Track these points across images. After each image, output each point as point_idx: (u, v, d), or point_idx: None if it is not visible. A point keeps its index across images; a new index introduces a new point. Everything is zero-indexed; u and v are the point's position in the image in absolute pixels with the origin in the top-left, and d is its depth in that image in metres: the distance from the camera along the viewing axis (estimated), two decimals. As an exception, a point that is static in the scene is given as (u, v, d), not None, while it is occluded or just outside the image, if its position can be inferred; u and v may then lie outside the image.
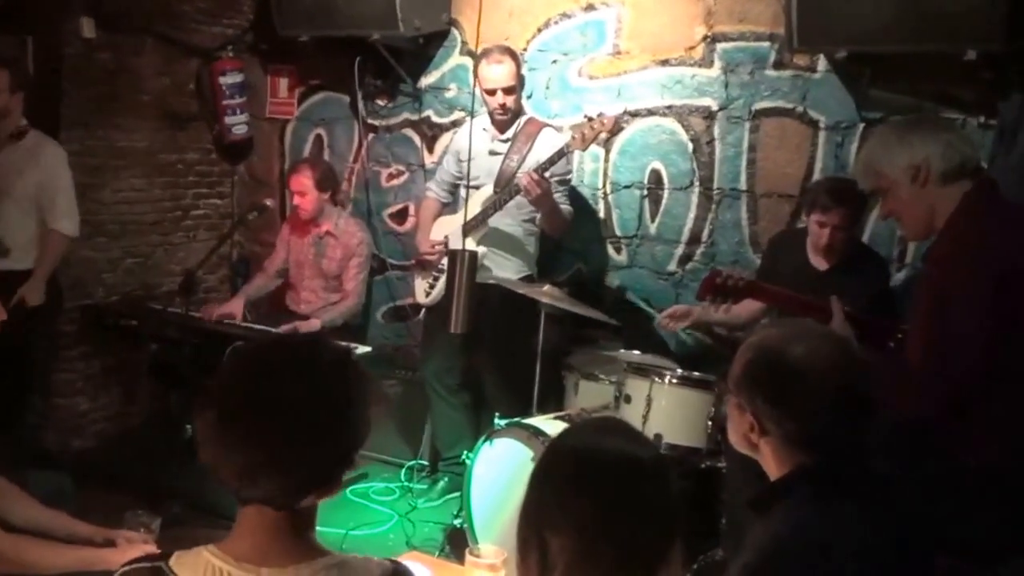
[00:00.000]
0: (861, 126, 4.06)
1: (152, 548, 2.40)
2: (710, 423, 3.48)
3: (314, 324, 4.59)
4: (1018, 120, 3.58)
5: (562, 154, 3.95)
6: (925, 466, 2.38)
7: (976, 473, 2.32)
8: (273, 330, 4.49)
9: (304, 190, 4.74)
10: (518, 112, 4.24)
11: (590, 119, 3.91)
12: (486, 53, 4.14)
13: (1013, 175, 3.54)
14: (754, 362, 1.83)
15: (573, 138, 3.93)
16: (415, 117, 5.11)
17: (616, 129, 4.24)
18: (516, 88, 4.16)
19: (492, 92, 4.12)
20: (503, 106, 4.14)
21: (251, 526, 1.45)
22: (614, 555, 1.35)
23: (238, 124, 5.34)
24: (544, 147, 4.12)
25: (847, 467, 1.76)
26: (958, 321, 2.30)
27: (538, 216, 4.22)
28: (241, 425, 1.40)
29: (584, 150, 4.12)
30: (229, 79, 5.24)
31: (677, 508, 1.42)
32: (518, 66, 4.17)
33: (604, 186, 4.67)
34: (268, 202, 5.07)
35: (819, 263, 3.78)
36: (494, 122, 4.24)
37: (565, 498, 1.38)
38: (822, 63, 4.12)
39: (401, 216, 5.25)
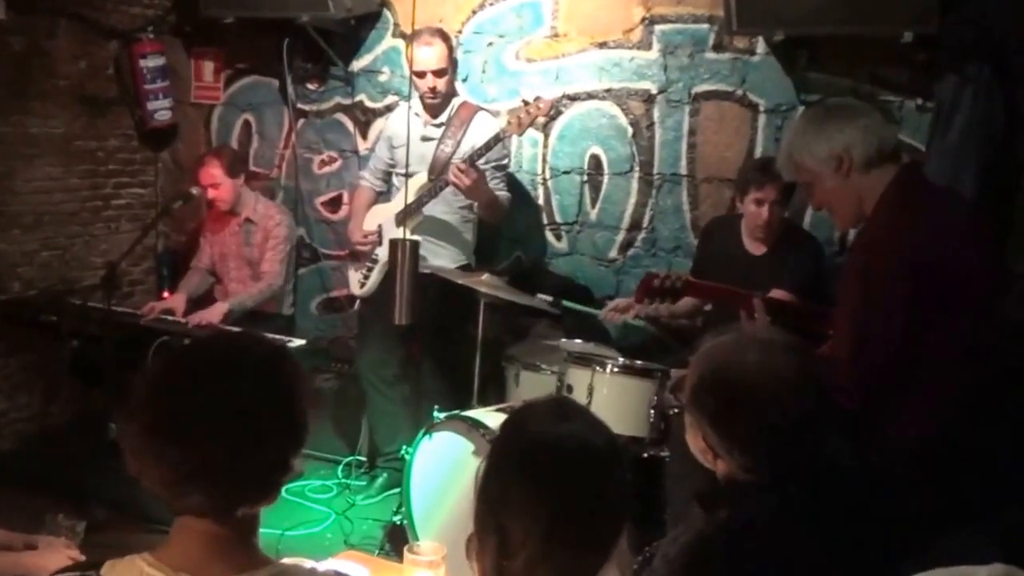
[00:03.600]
0: (800, 109, 4.12)
1: (76, 553, 2.36)
2: (652, 412, 3.52)
3: (220, 309, 4.52)
4: (954, 102, 3.67)
5: (497, 139, 3.95)
6: (859, 449, 2.44)
7: (905, 453, 2.39)
8: (181, 321, 4.45)
9: (216, 181, 4.68)
10: (450, 96, 4.24)
11: (526, 103, 3.92)
12: (416, 35, 4.13)
13: (949, 157, 3.64)
14: (701, 388, 1.82)
15: (509, 123, 3.93)
16: (347, 102, 5.08)
17: (554, 113, 4.26)
18: (447, 71, 4.15)
19: (422, 75, 4.11)
20: (433, 89, 4.13)
21: (189, 534, 1.42)
22: (576, 541, 1.40)
23: (161, 109, 5.25)
24: (479, 132, 4.12)
25: (801, 483, 1.76)
26: (881, 307, 2.36)
27: (475, 203, 4.22)
28: (170, 434, 1.37)
29: (520, 135, 4.13)
30: (150, 62, 5.15)
31: (630, 491, 1.48)
32: (450, 48, 4.16)
33: (543, 172, 4.69)
34: (194, 190, 4.97)
35: (754, 248, 3.86)
36: (425, 106, 4.23)
37: (526, 486, 1.41)
38: (761, 46, 4.19)
39: (334, 204, 5.22)
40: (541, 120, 3.97)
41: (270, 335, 4.35)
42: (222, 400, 1.39)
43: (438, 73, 4.11)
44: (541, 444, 1.45)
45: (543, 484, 1.40)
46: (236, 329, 4.36)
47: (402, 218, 4.00)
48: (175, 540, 1.43)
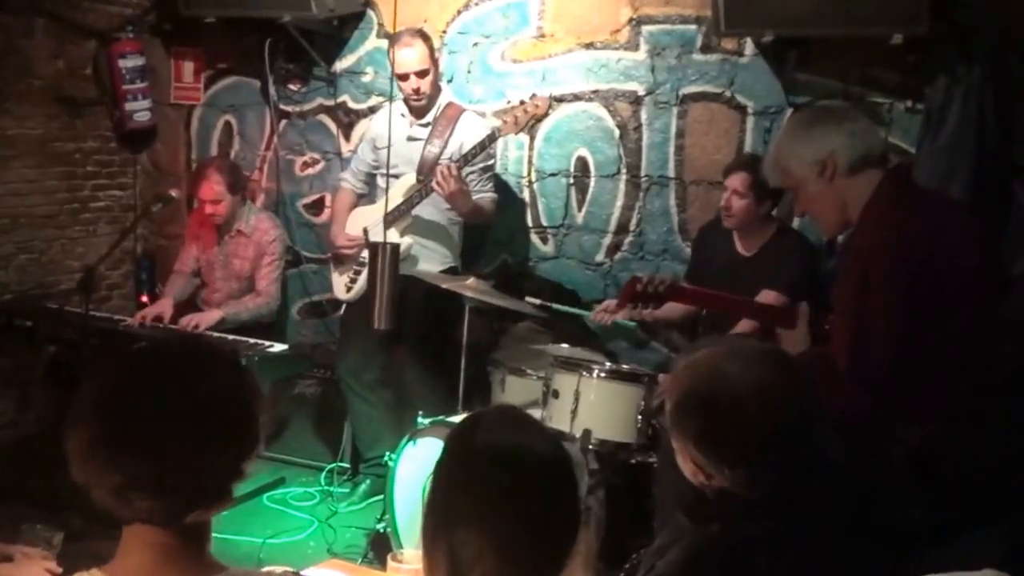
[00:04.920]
0: (789, 111, 4.14)
1: (53, 565, 2.33)
2: (640, 417, 3.52)
3: (214, 316, 4.50)
4: (945, 104, 3.69)
5: (493, 138, 3.97)
6: (857, 456, 2.44)
7: (902, 460, 2.39)
8: (176, 328, 4.42)
9: (218, 197, 4.59)
10: (435, 96, 4.23)
11: (522, 102, 3.92)
12: (396, 37, 4.13)
13: (940, 159, 3.66)
14: (681, 410, 1.79)
15: (504, 122, 3.94)
16: (330, 103, 5.06)
17: (545, 114, 4.26)
18: (430, 71, 4.14)
19: (405, 77, 4.11)
20: (417, 91, 4.12)
21: (138, 544, 1.41)
22: (532, 556, 1.37)
23: (140, 110, 5.22)
24: (466, 132, 4.12)
25: (796, 494, 1.75)
26: (879, 313, 2.37)
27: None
28: (113, 441, 1.35)
29: (517, 134, 4.14)
30: (129, 62, 5.11)
31: (581, 501, 1.45)
32: (431, 48, 4.16)
33: (529, 174, 4.69)
34: (173, 193, 4.93)
35: (743, 248, 3.89)
36: (411, 108, 4.22)
37: (479, 500, 1.38)
38: (749, 47, 4.20)
39: (317, 207, 5.20)
40: (536, 119, 3.97)
41: (252, 340, 4.36)
42: (171, 406, 1.37)
43: (421, 74, 4.11)
44: (493, 456, 1.42)
45: (496, 498, 1.37)
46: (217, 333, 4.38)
47: (387, 220, 3.99)
48: (125, 550, 1.42)
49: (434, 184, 3.92)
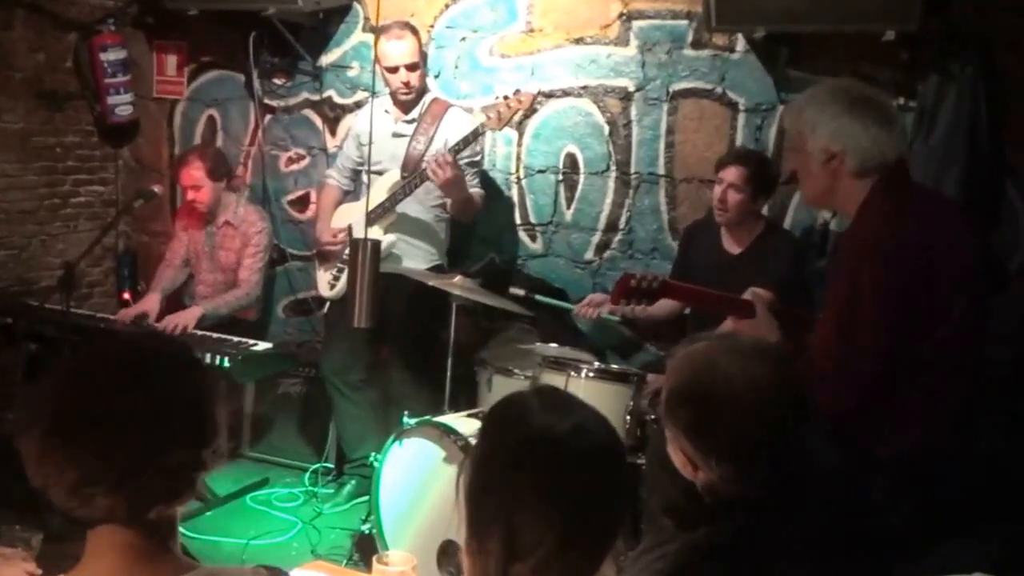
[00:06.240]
0: (780, 108, 4.15)
1: (32, 566, 2.33)
2: (628, 417, 3.53)
3: (195, 313, 4.50)
4: (937, 102, 3.71)
5: (477, 134, 3.96)
6: (842, 460, 2.45)
7: (890, 464, 2.41)
8: (157, 327, 4.41)
9: (197, 183, 4.63)
10: (422, 91, 4.23)
11: (507, 97, 3.92)
12: (384, 29, 4.12)
13: (933, 157, 3.68)
14: (675, 399, 1.81)
15: (488, 117, 3.93)
16: (316, 97, 5.06)
17: (530, 110, 4.26)
18: (419, 64, 4.14)
19: (394, 70, 4.10)
20: (407, 84, 4.12)
21: (102, 545, 1.41)
22: (588, 540, 1.41)
23: (122, 104, 5.21)
24: (452, 128, 4.12)
25: (784, 494, 1.76)
26: (870, 317, 2.38)
27: (448, 201, 4.22)
28: (69, 439, 1.36)
29: (500, 129, 4.14)
30: (111, 55, 5.10)
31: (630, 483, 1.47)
32: (420, 41, 4.16)
33: (517, 171, 4.69)
34: (156, 188, 4.92)
35: (731, 246, 3.90)
36: (397, 102, 4.22)
37: (541, 485, 1.40)
38: (740, 43, 4.20)
39: (302, 203, 5.19)
40: (521, 114, 3.98)
41: (236, 338, 4.35)
42: (124, 399, 1.38)
43: (411, 67, 4.11)
44: (551, 438, 1.43)
45: (558, 483, 1.40)
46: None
47: (370, 217, 3.99)
48: (91, 552, 1.42)
49: (429, 172, 3.92)
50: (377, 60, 4.18)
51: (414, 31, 4.15)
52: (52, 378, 1.43)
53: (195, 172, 4.62)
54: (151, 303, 4.64)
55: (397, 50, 4.08)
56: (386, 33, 4.10)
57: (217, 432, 1.46)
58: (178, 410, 1.42)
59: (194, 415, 1.44)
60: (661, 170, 4.44)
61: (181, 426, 1.41)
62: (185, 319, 4.46)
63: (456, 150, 3.95)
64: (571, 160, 4.59)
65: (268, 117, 5.17)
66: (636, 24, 4.38)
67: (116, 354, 1.47)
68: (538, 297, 4.27)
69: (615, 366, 3.74)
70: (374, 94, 4.34)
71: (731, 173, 3.78)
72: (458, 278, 3.91)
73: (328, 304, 4.62)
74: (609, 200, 4.55)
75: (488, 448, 1.48)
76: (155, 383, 1.41)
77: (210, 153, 4.79)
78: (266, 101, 5.14)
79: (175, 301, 4.87)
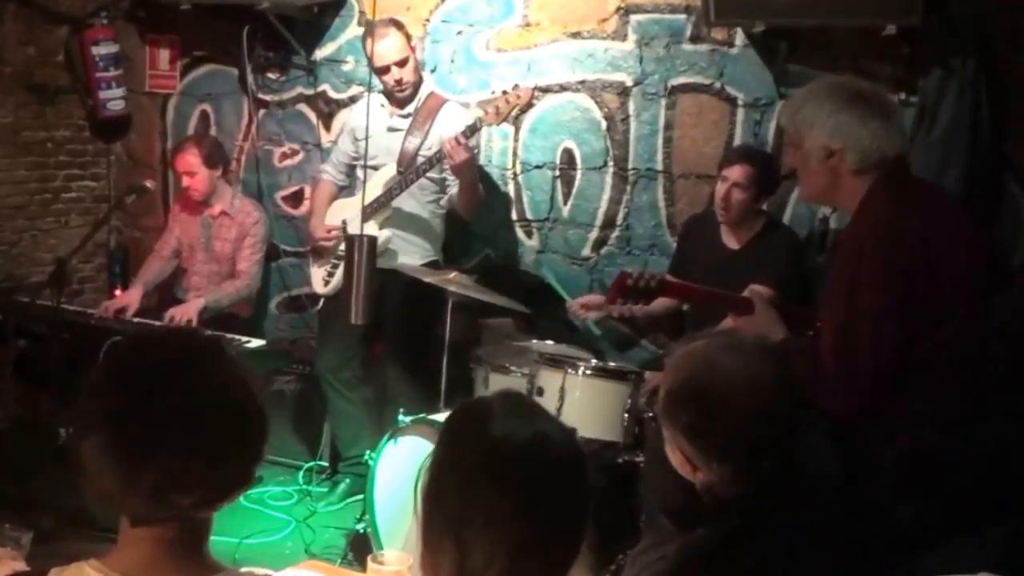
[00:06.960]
0: (779, 103, 4.14)
1: (21, 565, 2.31)
2: (627, 415, 3.52)
3: (198, 304, 4.49)
4: (938, 97, 3.70)
5: (475, 129, 3.95)
6: (843, 460, 2.45)
7: (892, 463, 2.40)
8: (155, 323, 4.39)
9: (192, 169, 4.64)
10: (418, 84, 4.22)
11: (505, 92, 3.91)
12: (370, 30, 4.11)
13: (934, 154, 3.67)
14: (674, 399, 1.80)
15: (487, 112, 3.92)
16: (310, 92, 5.04)
17: (528, 105, 4.25)
18: (409, 58, 4.13)
19: (386, 70, 4.09)
20: (400, 81, 4.11)
21: (138, 538, 1.40)
22: (545, 554, 1.35)
23: (114, 99, 5.19)
24: (447, 123, 4.11)
25: (784, 494, 1.75)
26: (870, 316, 2.37)
27: (444, 197, 4.22)
28: (138, 445, 1.35)
29: (499, 124, 4.13)
30: (102, 49, 5.08)
31: (591, 494, 1.43)
32: (407, 36, 4.15)
33: (514, 166, 4.68)
34: (148, 184, 4.90)
35: (731, 242, 3.89)
36: (392, 99, 4.20)
37: (496, 497, 1.34)
38: (739, 37, 4.19)
39: (295, 199, 5.18)
40: (519, 109, 3.97)
41: (229, 335, 4.33)
42: (184, 399, 1.37)
43: (401, 63, 4.09)
44: (511, 450, 1.37)
45: (515, 495, 1.34)
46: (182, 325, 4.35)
47: (366, 212, 3.97)
48: (124, 543, 1.42)
49: (446, 151, 3.90)
50: (369, 61, 4.16)
51: (399, 26, 4.14)
52: (99, 384, 1.42)
53: (190, 158, 4.63)
54: (132, 298, 4.63)
55: (385, 48, 4.07)
56: (372, 34, 4.10)
57: (267, 422, 1.46)
58: (236, 399, 1.42)
59: (247, 405, 1.43)
60: (659, 166, 4.43)
61: (237, 418, 1.41)
62: (188, 311, 4.46)
63: (468, 134, 3.94)
64: (568, 155, 4.57)
65: (262, 112, 5.15)
66: (634, 18, 4.37)
67: (162, 354, 1.46)
68: (544, 276, 4.26)
69: (613, 364, 3.73)
70: (370, 89, 4.32)
71: (736, 172, 3.76)
72: (454, 275, 3.90)
73: (322, 301, 4.61)
74: (607, 196, 4.53)
75: (443, 456, 1.42)
76: (208, 378, 1.41)
77: (206, 140, 4.82)
78: (260, 96, 5.12)
79: (168, 294, 4.86)
